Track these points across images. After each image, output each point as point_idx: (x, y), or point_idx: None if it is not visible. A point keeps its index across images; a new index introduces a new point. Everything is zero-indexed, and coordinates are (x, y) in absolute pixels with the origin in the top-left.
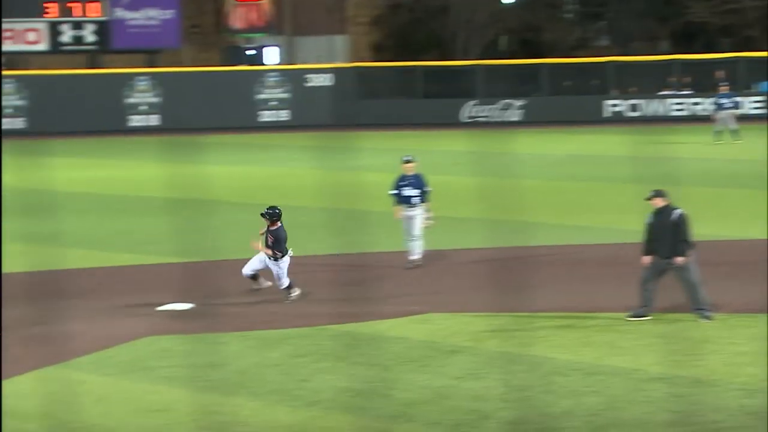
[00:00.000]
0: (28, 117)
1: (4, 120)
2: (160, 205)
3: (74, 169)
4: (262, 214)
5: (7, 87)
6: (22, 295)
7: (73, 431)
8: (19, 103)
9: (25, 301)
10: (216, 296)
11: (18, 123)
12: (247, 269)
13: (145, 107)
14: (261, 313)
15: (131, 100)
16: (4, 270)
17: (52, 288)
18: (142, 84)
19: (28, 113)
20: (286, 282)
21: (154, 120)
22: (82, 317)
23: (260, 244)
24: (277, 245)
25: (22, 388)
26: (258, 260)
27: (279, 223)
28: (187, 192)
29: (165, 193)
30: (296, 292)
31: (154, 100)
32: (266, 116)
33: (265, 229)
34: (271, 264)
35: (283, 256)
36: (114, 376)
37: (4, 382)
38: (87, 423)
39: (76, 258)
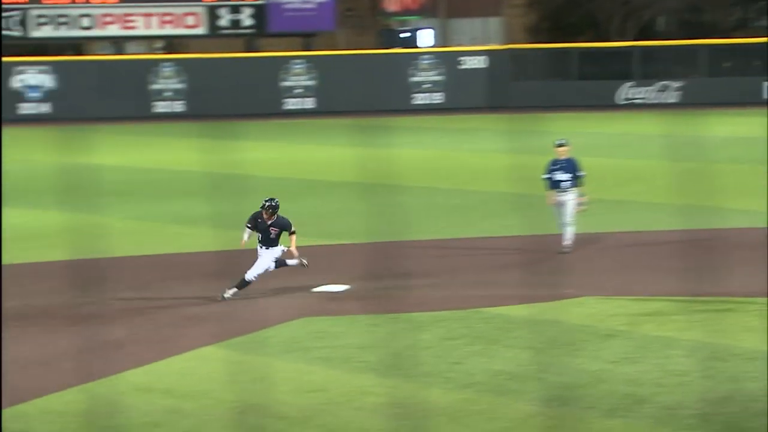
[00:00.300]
0: (187, 100)
1: (162, 103)
2: (316, 187)
3: (232, 152)
4: (265, 207)
5: (167, 71)
6: (184, 276)
7: (230, 411)
8: (179, 86)
9: (187, 280)
10: (370, 279)
11: (177, 106)
12: (258, 271)
13: (300, 90)
14: (413, 296)
15: (287, 83)
16: (181, 250)
17: (213, 268)
18: (298, 67)
19: (187, 97)
20: (252, 276)
21: (309, 103)
22: (240, 298)
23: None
24: (287, 228)
25: (181, 367)
26: (266, 261)
27: (277, 214)
28: (345, 175)
29: (320, 176)
30: (231, 292)
31: (310, 83)
32: (420, 99)
33: (251, 227)
34: (262, 251)
35: (274, 247)
36: (271, 356)
37: (163, 362)
38: (245, 402)
39: (234, 239)
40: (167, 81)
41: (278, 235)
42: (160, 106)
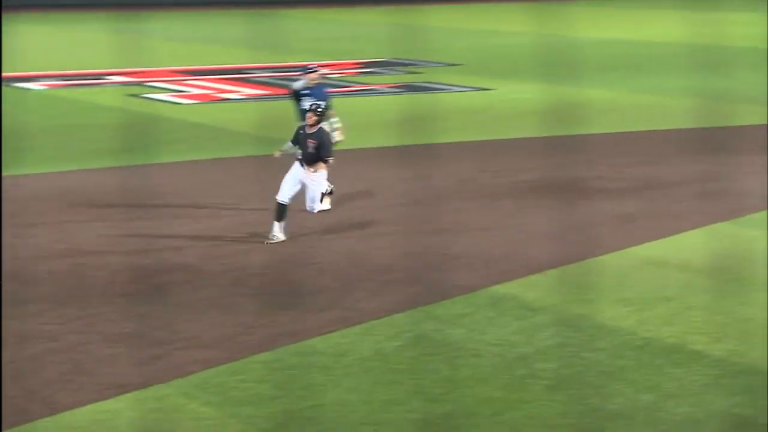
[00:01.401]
0: None
1: None
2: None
3: (749, 26)
4: (310, 109)
5: None
6: (677, 152)
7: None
8: None
9: (698, 156)
10: None
11: None
12: (284, 196)
13: None
14: None
15: None
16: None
17: (705, 146)
18: None
19: None
20: (319, 205)
21: None
22: (757, 174)
23: (301, 165)
24: (323, 150)
25: (694, 242)
26: (292, 182)
27: (320, 125)
28: None
29: None
30: (278, 237)
31: None
32: None
33: (293, 141)
34: (307, 179)
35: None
36: None
37: (677, 237)
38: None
39: (744, 114)
40: None
41: (317, 151)
42: None
